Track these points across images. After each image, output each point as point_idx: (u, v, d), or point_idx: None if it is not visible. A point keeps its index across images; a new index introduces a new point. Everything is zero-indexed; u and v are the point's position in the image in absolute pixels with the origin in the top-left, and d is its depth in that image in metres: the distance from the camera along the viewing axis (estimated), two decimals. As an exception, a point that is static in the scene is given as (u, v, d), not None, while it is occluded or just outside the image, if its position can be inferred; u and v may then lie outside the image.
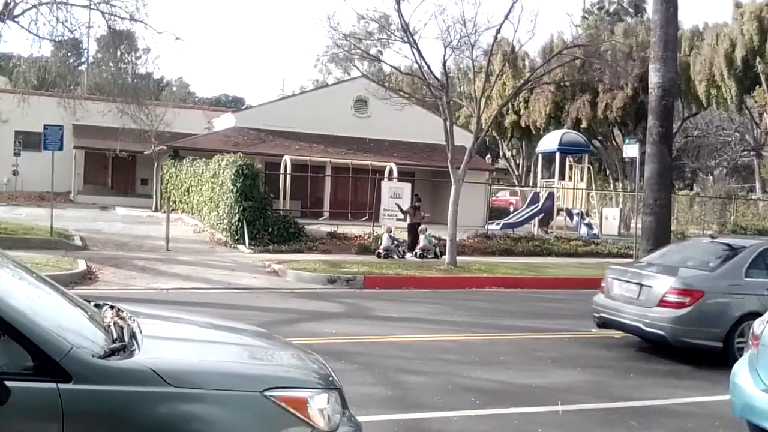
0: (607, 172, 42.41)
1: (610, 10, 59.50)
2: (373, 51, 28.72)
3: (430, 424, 6.85)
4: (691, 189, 48.80)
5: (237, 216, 21.45)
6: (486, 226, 27.64)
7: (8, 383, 3.47)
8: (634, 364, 9.73)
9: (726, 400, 6.81)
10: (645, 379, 8.90)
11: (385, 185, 24.67)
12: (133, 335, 4.27)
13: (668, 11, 21.16)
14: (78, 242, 20.10)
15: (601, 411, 7.51)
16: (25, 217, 24.88)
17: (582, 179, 32.39)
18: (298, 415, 4.01)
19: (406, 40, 19.60)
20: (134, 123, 28.91)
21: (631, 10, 60.89)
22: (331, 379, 4.56)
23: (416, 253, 20.96)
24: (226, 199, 22.12)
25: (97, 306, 4.96)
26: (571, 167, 32.61)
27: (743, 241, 11.51)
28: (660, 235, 21.31)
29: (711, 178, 48.20)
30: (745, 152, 46.92)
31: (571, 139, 31.23)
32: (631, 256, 21.11)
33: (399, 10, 19.10)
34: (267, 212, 21.97)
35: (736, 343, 9.24)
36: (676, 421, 7.28)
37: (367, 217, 27.21)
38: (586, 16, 56.00)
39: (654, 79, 21.22)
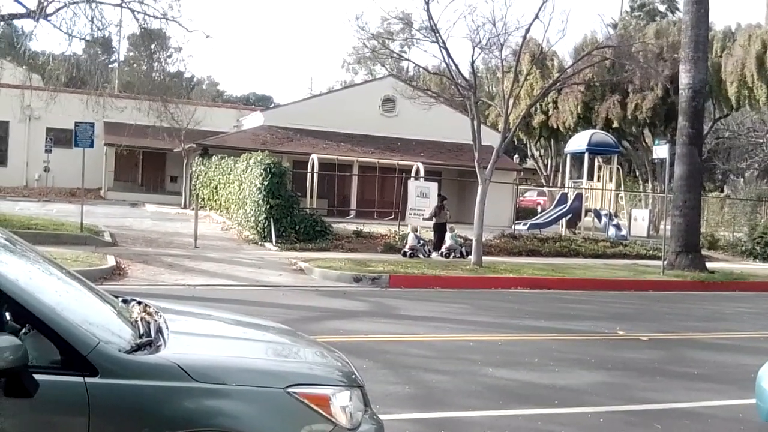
0: (637, 173, 42.07)
1: (649, 10, 59.12)
2: (398, 50, 28.73)
3: (453, 424, 6.85)
4: (722, 191, 48.23)
5: (264, 214, 21.57)
6: (513, 227, 27.55)
7: (37, 376, 3.55)
8: (660, 366, 9.67)
9: (753, 404, 6.75)
10: (670, 381, 8.84)
11: (412, 184, 24.68)
12: (159, 331, 4.33)
13: (699, 12, 21.03)
14: (108, 238, 20.32)
15: (624, 413, 7.47)
16: (56, 213, 25.19)
17: (611, 180, 32.14)
18: (321, 411, 4.05)
19: (434, 39, 19.58)
20: (163, 121, 29.11)
21: (662, 10, 60.42)
22: (353, 376, 4.59)
23: (442, 253, 20.97)
24: (254, 197, 22.25)
25: (125, 301, 5.03)
26: (600, 168, 32.38)
27: None
28: (689, 236, 21.19)
29: (742, 180, 47.60)
30: (777, 154, 46.29)
31: (600, 140, 30.99)
32: (659, 258, 20.92)
33: (428, 10, 19.10)
34: (294, 210, 22.08)
35: None
36: (699, 424, 7.23)
37: (393, 216, 27.23)
38: (625, 16, 55.55)
39: (684, 80, 21.09)
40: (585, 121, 36.87)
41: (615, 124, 35.18)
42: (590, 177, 32.15)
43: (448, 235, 21.40)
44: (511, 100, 20.44)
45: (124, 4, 22.04)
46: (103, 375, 3.68)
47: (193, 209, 23.33)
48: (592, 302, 15.65)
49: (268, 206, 21.47)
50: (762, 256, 26.13)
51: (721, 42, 33.45)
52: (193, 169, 34.26)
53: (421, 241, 21.09)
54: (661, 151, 20.89)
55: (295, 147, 32.85)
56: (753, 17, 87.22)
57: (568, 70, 23.46)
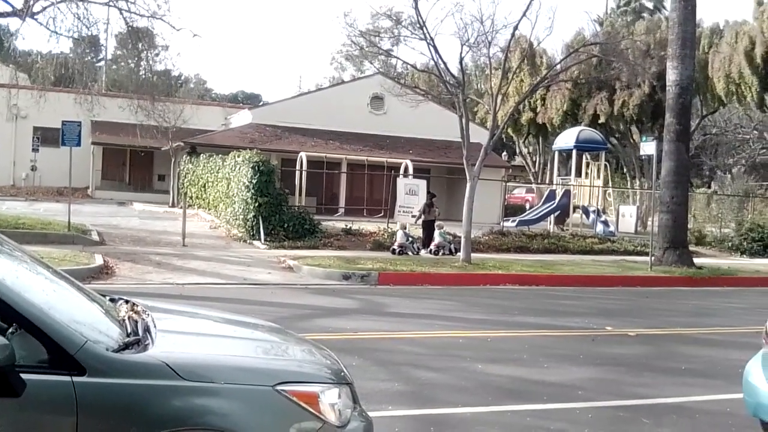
0: (624, 170, 42.23)
1: (635, 7, 59.33)
2: (386, 47, 28.76)
3: (443, 420, 6.86)
4: (709, 187, 48.47)
5: (252, 212, 21.53)
6: (501, 223, 27.60)
7: (24, 376, 3.53)
8: (649, 362, 9.70)
9: (740, 398, 6.79)
10: (659, 377, 8.87)
11: (401, 182, 24.68)
12: (147, 329, 4.32)
13: (686, 9, 21.11)
14: (95, 237, 20.23)
15: (613, 408, 7.49)
16: (43, 212, 25.07)
17: (599, 176, 32.26)
18: (309, 409, 4.05)
19: (422, 37, 19.58)
20: (150, 119, 29.05)
21: (649, 7, 60.64)
22: (342, 374, 4.60)
23: (431, 250, 20.99)
24: (242, 195, 22.21)
25: (113, 300, 5.03)
26: (587, 164, 32.49)
27: None
28: (676, 232, 21.29)
29: (729, 176, 47.82)
30: (764, 150, 46.55)
31: (587, 137, 31.09)
32: (647, 254, 21.01)
33: (416, 8, 19.09)
34: (282, 208, 22.04)
35: None
36: (688, 419, 7.26)
37: (382, 214, 27.25)
38: (611, 13, 55.72)
39: (672, 76, 21.16)
40: (572, 118, 36.98)
41: (602, 121, 35.28)
42: (578, 174, 32.26)
43: (436, 232, 21.41)
44: (500, 98, 20.48)
45: (111, 3, 21.94)
46: (90, 374, 3.67)
47: (181, 208, 23.30)
48: (581, 298, 15.69)
49: (256, 204, 21.43)
50: (749, 252, 26.27)
51: (709, 39, 33.61)
52: (181, 167, 34.17)
53: (410, 239, 21.10)
54: (648, 147, 20.97)
55: (283, 145, 32.82)
56: (740, 14, 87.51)
57: (556, 67, 23.50)
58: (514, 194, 47.00)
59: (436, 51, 19.59)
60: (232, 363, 4.19)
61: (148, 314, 4.63)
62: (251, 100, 72.48)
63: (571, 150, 31.55)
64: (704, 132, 42.88)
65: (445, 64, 20.33)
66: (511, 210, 36.25)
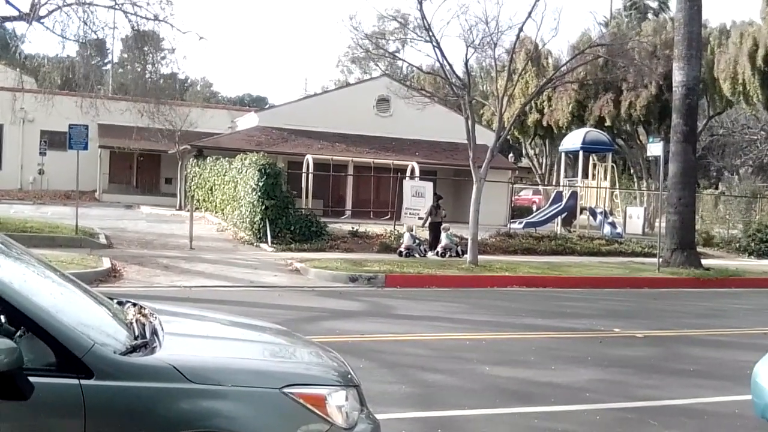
0: (632, 171, 42.14)
1: (639, 7, 59.28)
2: (392, 49, 28.80)
3: (450, 422, 6.85)
4: (717, 188, 48.32)
5: (259, 215, 21.55)
6: (508, 225, 27.57)
7: (31, 379, 3.54)
8: (657, 363, 9.68)
9: (749, 399, 6.76)
10: (667, 378, 8.84)
11: (407, 184, 24.68)
12: (154, 332, 4.33)
13: (692, 9, 21.05)
14: (103, 240, 20.28)
15: (621, 410, 7.48)
16: (51, 215, 25.12)
17: (605, 178, 32.18)
18: (317, 411, 4.05)
19: (427, 39, 19.58)
20: (155, 123, 29.06)
21: (654, 7, 60.56)
22: (349, 376, 4.59)
23: (438, 252, 20.98)
24: (249, 198, 22.24)
25: (120, 303, 5.03)
26: (594, 166, 32.42)
27: None
28: (684, 233, 21.23)
29: (736, 177, 47.65)
30: (771, 151, 46.38)
31: (594, 138, 31.02)
32: (654, 255, 20.96)
33: (421, 10, 19.10)
34: (289, 211, 22.07)
35: None
36: (696, 421, 7.24)
37: (388, 216, 27.22)
38: (616, 15, 55.65)
39: (678, 77, 21.11)
40: (579, 119, 36.92)
41: (608, 122, 35.22)
42: (585, 175, 32.18)
43: (443, 234, 21.41)
44: (505, 99, 20.45)
45: (116, 6, 21.98)
46: (98, 377, 3.67)
47: (188, 211, 23.32)
48: (588, 300, 15.66)
49: (263, 207, 21.45)
50: (757, 253, 26.18)
51: (717, 39, 33.52)
52: (188, 170, 34.23)
53: (417, 241, 21.08)
54: (655, 148, 20.92)
55: (289, 147, 32.82)
56: (749, 14, 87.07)
57: (562, 69, 23.46)
58: (521, 196, 46.95)
59: (442, 53, 19.61)
60: (240, 366, 4.19)
61: (156, 317, 4.64)
62: (257, 103, 72.58)
63: (578, 151, 31.48)
64: (711, 133, 42.74)
65: (450, 65, 20.34)
66: (518, 212, 36.21)
